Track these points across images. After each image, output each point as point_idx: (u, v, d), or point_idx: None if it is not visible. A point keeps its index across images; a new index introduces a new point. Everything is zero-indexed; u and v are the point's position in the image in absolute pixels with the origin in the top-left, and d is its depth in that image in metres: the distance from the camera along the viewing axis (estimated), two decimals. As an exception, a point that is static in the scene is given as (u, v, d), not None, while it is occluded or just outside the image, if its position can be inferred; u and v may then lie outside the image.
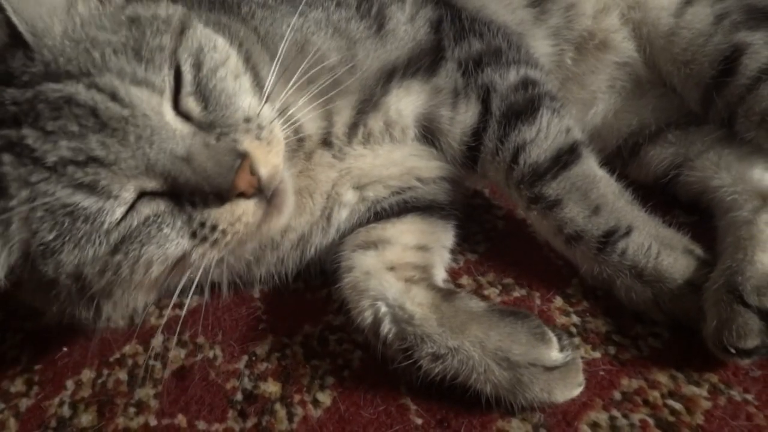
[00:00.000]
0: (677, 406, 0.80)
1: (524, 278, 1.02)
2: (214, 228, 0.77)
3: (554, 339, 0.83)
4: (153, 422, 0.90)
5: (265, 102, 0.84)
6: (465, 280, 1.03)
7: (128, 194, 0.74)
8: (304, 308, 1.04)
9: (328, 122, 0.96)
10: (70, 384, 0.97)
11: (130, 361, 1.00)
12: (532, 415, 0.81)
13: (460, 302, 0.88)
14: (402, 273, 0.93)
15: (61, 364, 1.00)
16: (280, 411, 0.88)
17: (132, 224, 0.75)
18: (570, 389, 0.81)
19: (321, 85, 0.88)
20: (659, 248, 0.89)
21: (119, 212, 0.74)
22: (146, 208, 0.76)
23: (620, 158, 1.12)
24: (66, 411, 0.93)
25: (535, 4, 1.14)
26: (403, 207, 1.05)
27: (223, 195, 0.75)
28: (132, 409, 0.92)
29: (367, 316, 0.89)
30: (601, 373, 0.85)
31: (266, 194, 0.80)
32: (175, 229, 0.76)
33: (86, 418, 0.92)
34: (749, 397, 0.80)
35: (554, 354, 0.81)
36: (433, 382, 0.84)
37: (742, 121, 1.00)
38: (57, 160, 0.72)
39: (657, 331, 0.90)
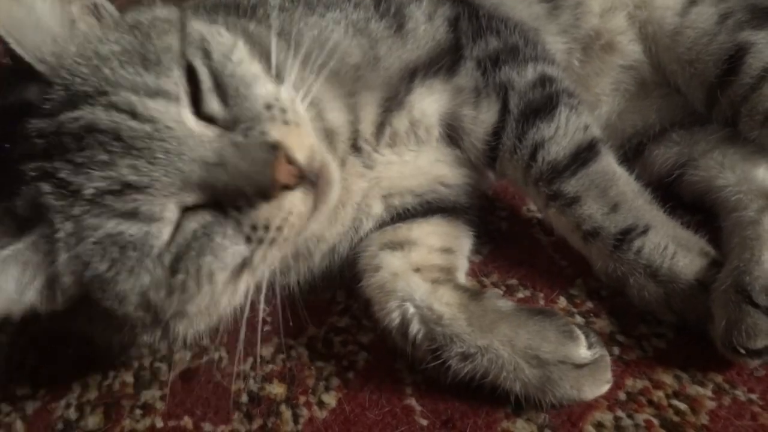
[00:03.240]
0: (682, 406, 0.81)
1: (528, 279, 1.02)
2: (267, 228, 0.73)
3: (582, 336, 0.83)
4: (159, 424, 0.90)
5: (283, 84, 0.80)
6: (469, 281, 1.03)
7: (171, 213, 0.72)
8: (308, 310, 1.03)
9: (354, 116, 0.94)
10: (76, 386, 0.98)
11: (135, 363, 1.00)
12: (537, 415, 0.82)
13: (488, 302, 0.88)
14: (428, 274, 0.93)
15: (67, 366, 1.01)
16: (286, 412, 0.89)
17: (182, 242, 0.72)
18: (599, 386, 0.81)
19: (343, 74, 0.86)
20: (675, 249, 0.88)
21: (166, 233, 0.72)
22: (192, 223, 0.72)
23: (624, 158, 1.12)
24: (72, 413, 0.94)
25: None
26: (427, 208, 1.04)
27: (266, 193, 0.72)
28: (138, 411, 0.92)
29: (395, 318, 0.89)
30: (606, 373, 0.85)
31: (310, 178, 0.75)
32: (228, 237, 0.73)
33: (93, 421, 0.92)
34: (754, 396, 0.80)
35: (583, 351, 0.82)
36: (453, 383, 0.84)
37: (746, 121, 1.00)
38: (94, 191, 0.70)
39: (661, 331, 0.90)
